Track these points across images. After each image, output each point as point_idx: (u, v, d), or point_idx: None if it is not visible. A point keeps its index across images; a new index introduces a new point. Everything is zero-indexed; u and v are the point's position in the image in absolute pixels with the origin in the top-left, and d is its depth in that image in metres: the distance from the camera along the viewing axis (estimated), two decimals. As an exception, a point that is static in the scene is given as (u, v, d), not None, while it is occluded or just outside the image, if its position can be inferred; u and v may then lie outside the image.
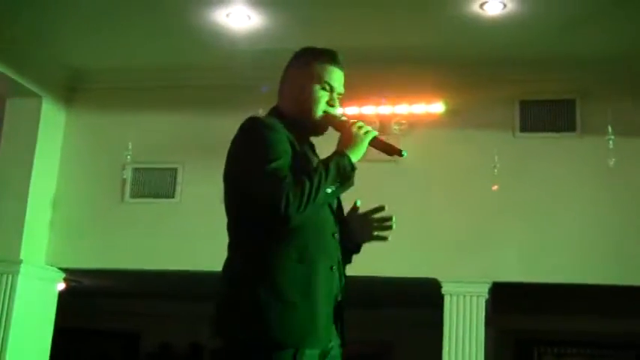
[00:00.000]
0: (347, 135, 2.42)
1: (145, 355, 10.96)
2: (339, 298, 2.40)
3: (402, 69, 6.13)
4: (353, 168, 2.34)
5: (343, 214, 2.55)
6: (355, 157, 2.37)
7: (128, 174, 6.76)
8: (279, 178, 2.20)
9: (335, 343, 2.39)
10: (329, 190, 2.27)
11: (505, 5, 5.38)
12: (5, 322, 6.26)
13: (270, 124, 2.38)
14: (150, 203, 6.78)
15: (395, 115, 6.19)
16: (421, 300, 6.94)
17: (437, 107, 6.22)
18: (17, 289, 6.35)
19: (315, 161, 2.44)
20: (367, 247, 2.68)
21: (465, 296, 6.09)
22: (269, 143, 2.30)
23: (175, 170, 6.77)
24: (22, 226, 6.49)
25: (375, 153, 2.54)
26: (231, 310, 2.27)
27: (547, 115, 6.34)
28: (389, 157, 2.60)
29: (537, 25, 5.66)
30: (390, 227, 2.56)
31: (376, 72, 6.04)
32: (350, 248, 2.56)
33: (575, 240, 6.04)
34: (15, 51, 6.33)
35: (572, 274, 6.05)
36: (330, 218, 2.43)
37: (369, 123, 2.55)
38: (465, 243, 6.09)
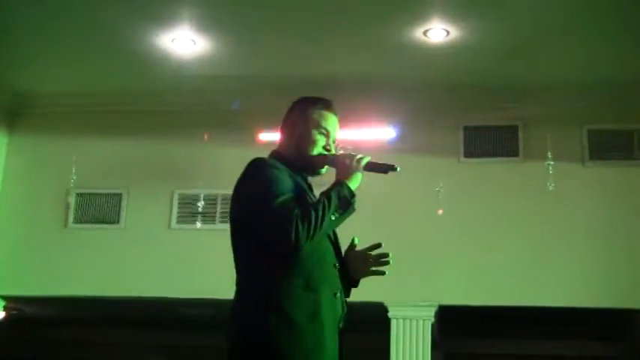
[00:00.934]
0: (342, 166, 2.61)
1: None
2: (341, 325, 2.54)
3: (347, 95, 6.17)
4: (352, 195, 2.52)
5: (340, 248, 2.68)
6: (353, 184, 2.56)
7: (72, 199, 6.67)
8: (288, 209, 2.38)
9: None
10: (333, 218, 2.45)
11: (448, 32, 5.48)
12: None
13: (273, 164, 2.57)
14: (94, 229, 6.69)
15: (341, 141, 6.21)
16: (368, 325, 6.95)
17: (385, 133, 6.28)
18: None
19: (313, 198, 2.61)
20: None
21: (411, 320, 6.13)
22: (275, 180, 2.48)
23: (120, 196, 6.70)
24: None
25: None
26: (245, 337, 2.40)
27: (490, 141, 6.47)
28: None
29: (480, 53, 5.77)
30: (387, 263, 2.70)
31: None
32: (349, 284, 2.69)
33: (517, 262, 6.15)
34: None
35: (516, 296, 6.15)
36: (330, 249, 2.58)
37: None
38: (411, 267, 6.14)
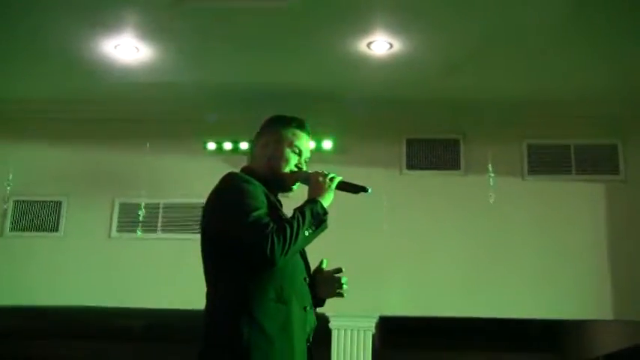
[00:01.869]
0: (315, 184, 2.67)
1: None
2: (310, 339, 2.62)
3: (289, 106, 6.16)
4: (325, 212, 2.59)
5: (309, 264, 2.76)
6: (326, 202, 2.62)
7: (9, 206, 6.53)
8: (263, 224, 2.43)
9: None
10: (307, 234, 2.51)
11: (391, 45, 5.52)
12: None
13: (247, 179, 2.61)
14: (32, 237, 6.56)
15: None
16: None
17: (326, 144, 6.31)
18: None
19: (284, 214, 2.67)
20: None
21: (352, 330, 6.14)
22: (250, 195, 2.53)
23: (59, 203, 6.58)
24: None
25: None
26: (218, 349, 2.44)
27: (433, 154, 6.54)
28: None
29: (422, 67, 5.82)
30: (342, 287, 2.84)
31: (263, 108, 5.95)
32: (315, 303, 2.76)
33: (458, 274, 6.21)
34: None
35: (457, 307, 6.21)
36: (301, 264, 2.66)
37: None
38: (353, 277, 6.11)
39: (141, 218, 6.47)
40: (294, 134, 2.80)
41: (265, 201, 2.56)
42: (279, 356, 2.43)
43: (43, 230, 6.57)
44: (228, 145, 6.41)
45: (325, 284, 2.80)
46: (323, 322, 6.08)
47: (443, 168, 6.51)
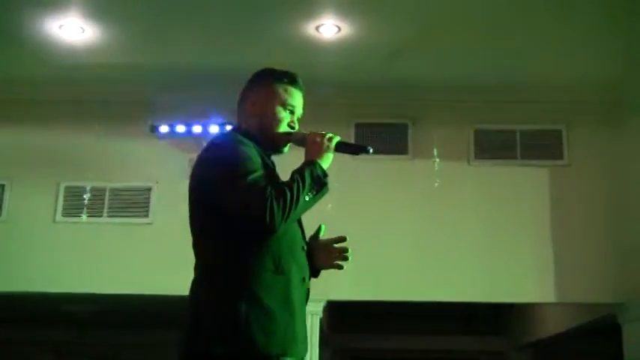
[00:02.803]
0: (313, 145, 2.46)
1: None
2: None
3: (238, 88, 6.15)
4: (325, 175, 2.38)
5: (305, 233, 2.55)
6: (325, 164, 2.42)
7: (-52, 191, 6.39)
8: (261, 188, 2.21)
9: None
10: (307, 198, 2.29)
11: (340, 29, 5.52)
12: None
13: (241, 140, 2.39)
14: (-27, 222, 6.43)
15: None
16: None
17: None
18: None
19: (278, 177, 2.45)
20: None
21: (299, 315, 6.14)
22: (245, 156, 2.30)
23: (2, 187, 6.46)
24: None
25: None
26: (211, 325, 2.21)
27: (381, 139, 6.55)
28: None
29: (370, 51, 5.83)
30: (347, 258, 2.63)
31: (209, 91, 5.95)
32: (311, 273, 2.54)
33: (405, 258, 6.26)
34: None
35: (403, 291, 6.26)
36: (299, 232, 2.45)
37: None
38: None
39: (86, 202, 6.38)
40: (286, 90, 2.55)
41: (261, 163, 2.34)
42: (280, 331, 2.23)
43: (-15, 215, 6.44)
44: (180, 128, 6.24)
45: (323, 253, 2.60)
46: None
47: (391, 153, 6.52)
